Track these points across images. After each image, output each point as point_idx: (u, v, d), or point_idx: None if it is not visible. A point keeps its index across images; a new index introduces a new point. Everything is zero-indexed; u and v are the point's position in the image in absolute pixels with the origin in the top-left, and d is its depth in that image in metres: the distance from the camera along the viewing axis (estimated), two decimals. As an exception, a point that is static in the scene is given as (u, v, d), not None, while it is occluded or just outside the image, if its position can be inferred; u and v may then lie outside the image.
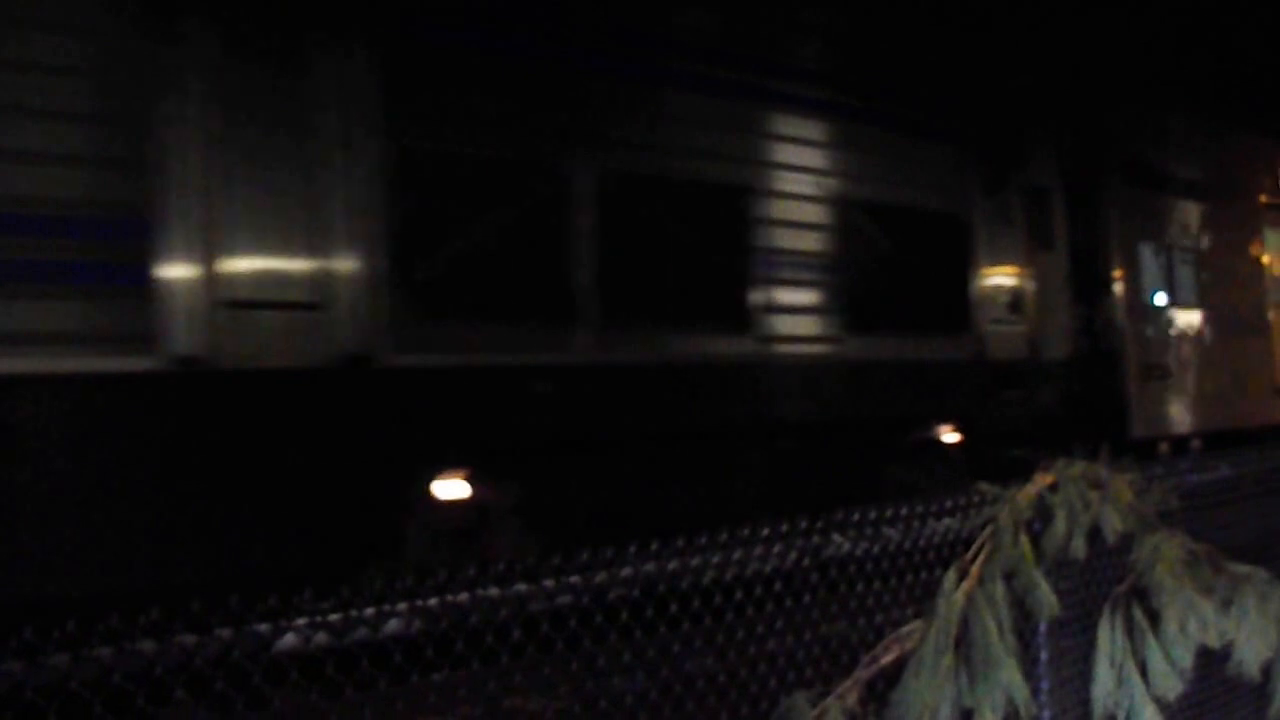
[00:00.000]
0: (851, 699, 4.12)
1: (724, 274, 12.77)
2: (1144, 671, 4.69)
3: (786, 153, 13.76)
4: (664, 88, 12.61)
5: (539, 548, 9.66)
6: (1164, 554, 4.83)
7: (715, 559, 3.64)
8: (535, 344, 11.02)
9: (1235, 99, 24.94)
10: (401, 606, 2.90)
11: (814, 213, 13.90)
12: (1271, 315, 23.54)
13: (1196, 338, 20.91)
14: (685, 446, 12.14)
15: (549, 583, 3.22)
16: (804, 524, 4.07)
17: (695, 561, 3.59)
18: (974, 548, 4.53)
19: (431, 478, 10.29)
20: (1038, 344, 16.98)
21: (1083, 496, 4.81)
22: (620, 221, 11.61)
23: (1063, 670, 4.87)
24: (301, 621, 2.73)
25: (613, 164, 11.73)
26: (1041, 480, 4.83)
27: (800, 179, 13.79)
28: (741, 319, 12.92)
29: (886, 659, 4.27)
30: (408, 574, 3.11)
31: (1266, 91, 26.00)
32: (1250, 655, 4.87)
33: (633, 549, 3.50)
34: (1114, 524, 4.80)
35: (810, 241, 13.82)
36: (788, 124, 13.89)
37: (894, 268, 14.63)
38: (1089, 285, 18.58)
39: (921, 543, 4.48)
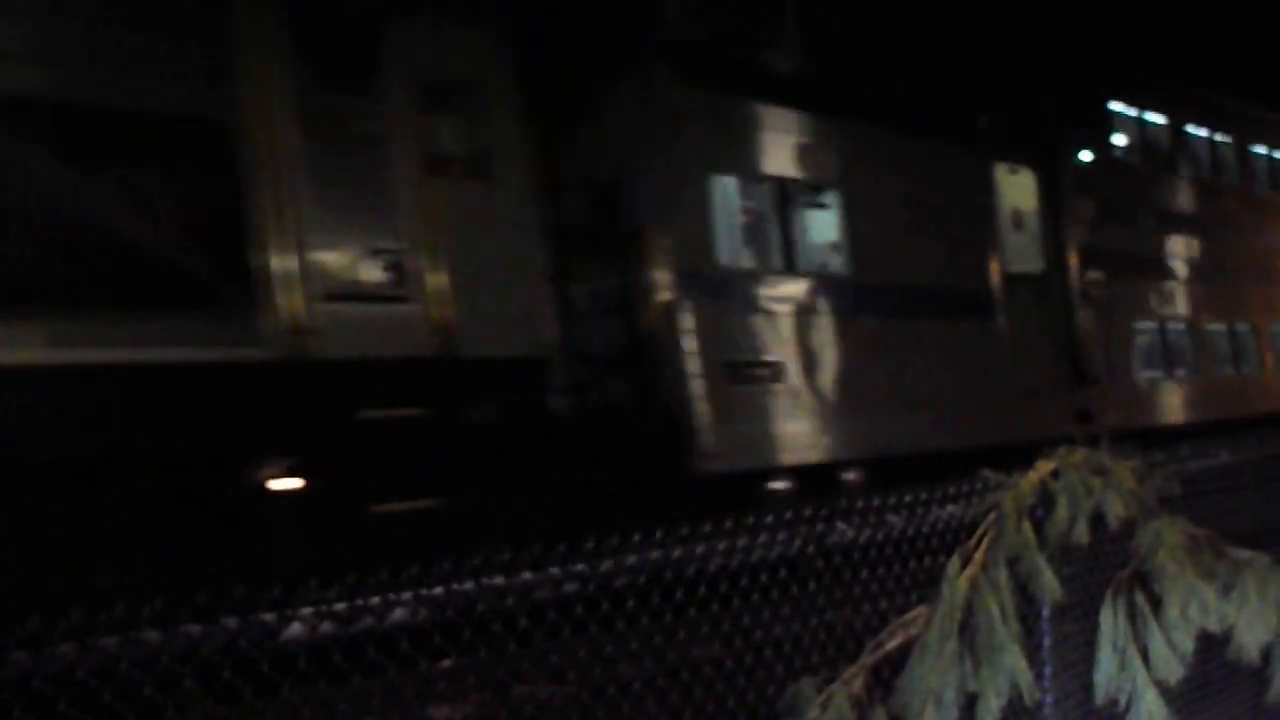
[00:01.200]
0: (857, 685, 4.11)
1: None
2: (1146, 656, 4.66)
3: None
4: None
5: None
6: (1166, 539, 4.80)
7: (720, 546, 3.62)
8: None
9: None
10: (407, 595, 2.88)
11: None
12: (1004, 289, 16.43)
13: (849, 321, 14.15)
14: None
15: (555, 570, 3.20)
16: (808, 511, 4.05)
17: (700, 549, 3.57)
18: (978, 534, 4.51)
19: None
20: (456, 331, 10.70)
21: (1085, 483, 4.78)
22: None
23: (1066, 655, 4.87)
24: (307, 610, 2.71)
25: None
26: (1044, 467, 4.81)
27: None
28: None
29: (891, 645, 4.25)
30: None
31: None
32: (1250, 639, 4.84)
33: (637, 536, 3.47)
34: (1116, 510, 4.77)
35: None
36: None
37: (46, 205, 8.78)
38: (606, 238, 12.18)
39: (925, 529, 4.47)
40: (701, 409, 12.21)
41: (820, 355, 13.89)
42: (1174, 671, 4.67)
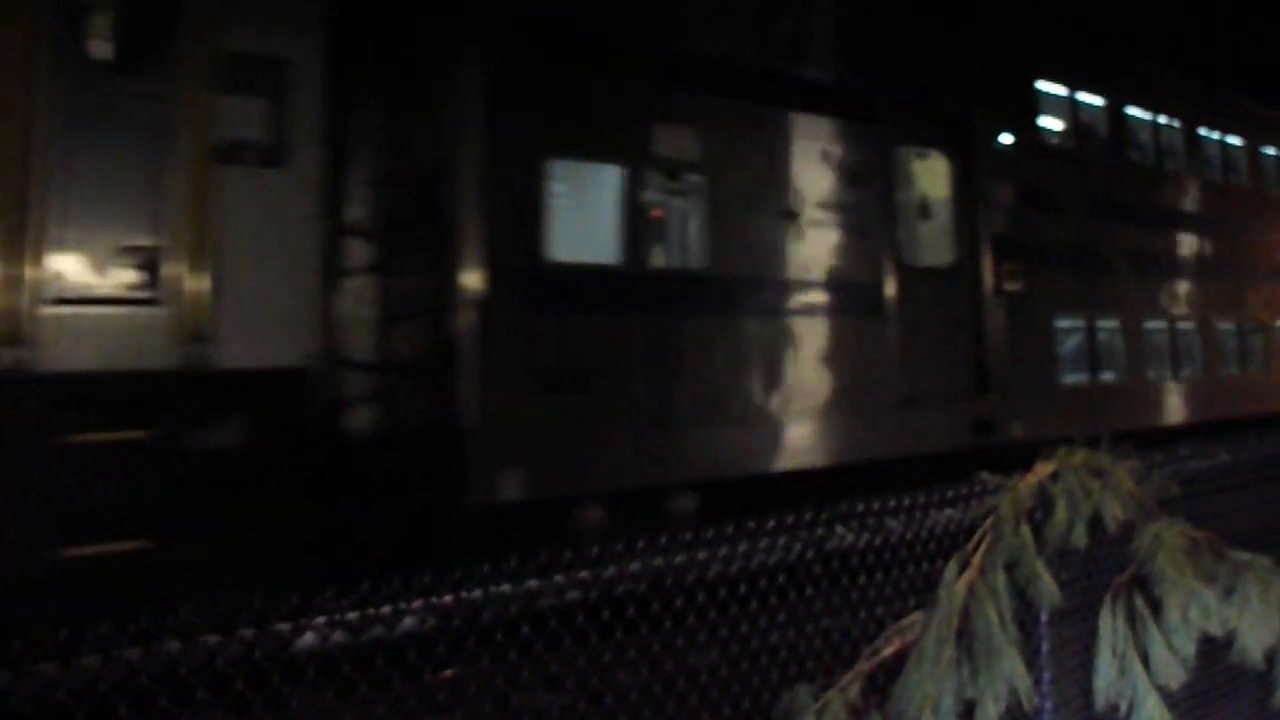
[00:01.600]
0: (853, 691, 4.21)
1: None
2: (1146, 661, 4.77)
3: None
4: None
5: None
6: (1165, 542, 4.92)
7: (721, 553, 3.74)
8: None
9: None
10: (417, 604, 3.00)
11: None
12: (901, 284, 14.94)
13: (699, 322, 12.91)
14: None
15: (559, 578, 3.31)
16: (807, 516, 4.17)
17: (701, 556, 3.69)
18: (975, 538, 4.62)
19: None
20: (212, 340, 9.67)
21: (1084, 485, 4.89)
22: None
23: (1065, 660, 4.97)
24: (321, 620, 2.83)
25: None
26: (1042, 469, 4.92)
27: None
28: None
29: (888, 651, 4.36)
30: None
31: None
32: (1253, 643, 4.95)
33: (640, 544, 3.59)
34: (1115, 512, 4.89)
35: None
36: None
37: None
38: (423, 234, 11.07)
39: (923, 534, 4.58)
40: (500, 426, 10.93)
41: (661, 362, 12.54)
42: (1176, 676, 4.79)
